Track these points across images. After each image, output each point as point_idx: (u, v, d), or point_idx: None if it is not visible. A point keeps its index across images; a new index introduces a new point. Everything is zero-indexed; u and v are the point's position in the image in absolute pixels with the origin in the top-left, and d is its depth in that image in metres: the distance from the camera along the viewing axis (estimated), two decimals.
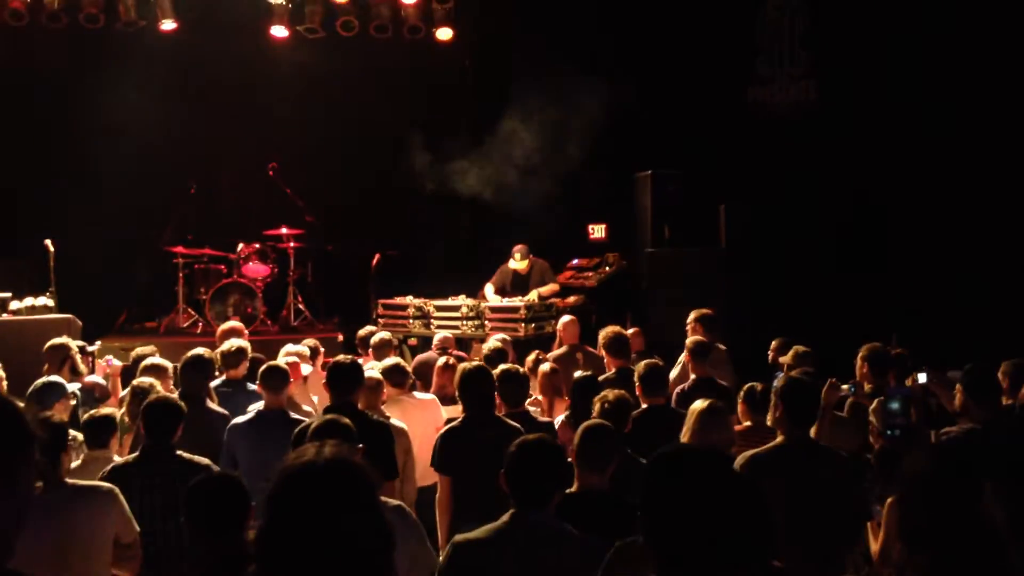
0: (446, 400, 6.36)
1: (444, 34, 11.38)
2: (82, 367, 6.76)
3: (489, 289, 10.05)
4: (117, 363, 7.23)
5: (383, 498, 2.53)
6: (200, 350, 6.25)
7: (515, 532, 3.50)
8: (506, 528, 3.51)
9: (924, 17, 10.20)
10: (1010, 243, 10.07)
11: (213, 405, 5.98)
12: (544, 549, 3.48)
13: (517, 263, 9.98)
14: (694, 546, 2.30)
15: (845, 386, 5.26)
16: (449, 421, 5.63)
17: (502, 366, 5.70)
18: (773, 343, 7.35)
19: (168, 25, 10.83)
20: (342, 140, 12.03)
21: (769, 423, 4.56)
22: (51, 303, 9.71)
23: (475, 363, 5.66)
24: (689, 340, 6.95)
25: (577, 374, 6.16)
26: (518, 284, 10.01)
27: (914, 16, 10.30)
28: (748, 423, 5.54)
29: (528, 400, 5.95)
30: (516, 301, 9.56)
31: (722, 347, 7.53)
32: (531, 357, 7.08)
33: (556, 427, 5.68)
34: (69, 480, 4.19)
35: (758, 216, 10.39)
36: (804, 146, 10.96)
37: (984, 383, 5.00)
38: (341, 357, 5.61)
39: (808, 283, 10.14)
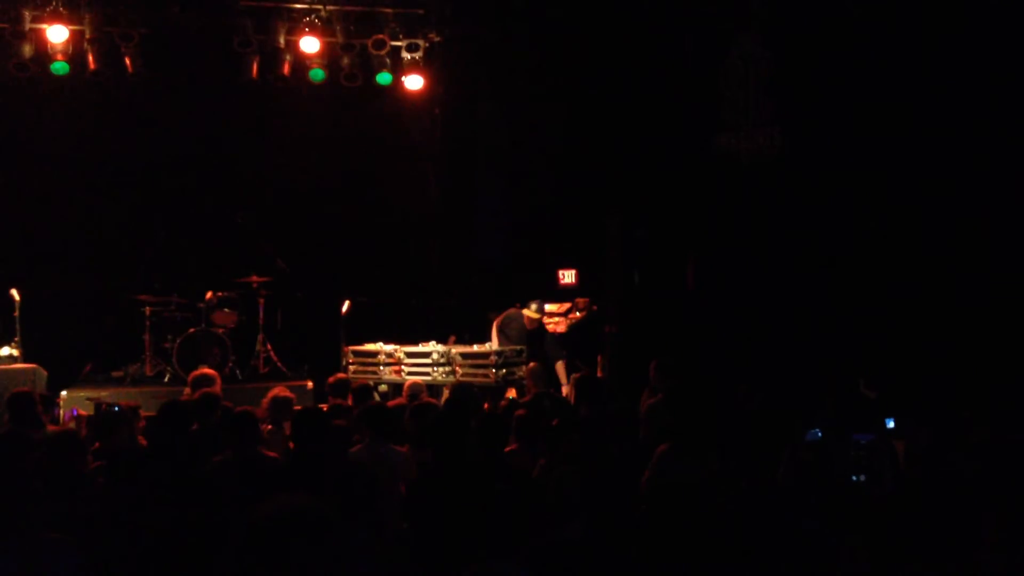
0: None
1: (414, 82, 11.43)
2: None
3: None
4: (83, 413, 7.16)
5: None
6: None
7: None
8: None
9: (888, 62, 10.39)
10: (979, 285, 10.18)
11: None
12: None
13: (532, 313, 10.47)
14: None
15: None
16: None
17: None
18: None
19: (136, 74, 10.81)
20: (312, 187, 12.04)
21: None
22: (16, 353, 9.62)
23: None
24: None
25: None
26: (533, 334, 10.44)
27: (878, 63, 10.49)
28: None
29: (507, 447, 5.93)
30: (489, 347, 9.64)
31: None
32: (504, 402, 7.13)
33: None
34: None
35: (725, 262, 10.48)
36: (770, 192, 11.08)
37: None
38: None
39: (774, 329, 10.21)
